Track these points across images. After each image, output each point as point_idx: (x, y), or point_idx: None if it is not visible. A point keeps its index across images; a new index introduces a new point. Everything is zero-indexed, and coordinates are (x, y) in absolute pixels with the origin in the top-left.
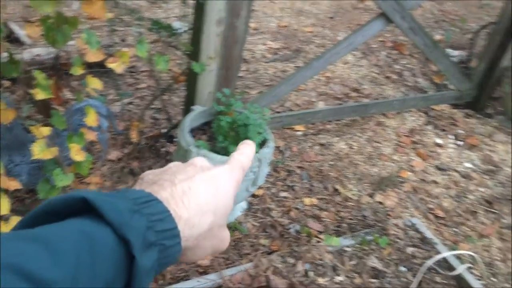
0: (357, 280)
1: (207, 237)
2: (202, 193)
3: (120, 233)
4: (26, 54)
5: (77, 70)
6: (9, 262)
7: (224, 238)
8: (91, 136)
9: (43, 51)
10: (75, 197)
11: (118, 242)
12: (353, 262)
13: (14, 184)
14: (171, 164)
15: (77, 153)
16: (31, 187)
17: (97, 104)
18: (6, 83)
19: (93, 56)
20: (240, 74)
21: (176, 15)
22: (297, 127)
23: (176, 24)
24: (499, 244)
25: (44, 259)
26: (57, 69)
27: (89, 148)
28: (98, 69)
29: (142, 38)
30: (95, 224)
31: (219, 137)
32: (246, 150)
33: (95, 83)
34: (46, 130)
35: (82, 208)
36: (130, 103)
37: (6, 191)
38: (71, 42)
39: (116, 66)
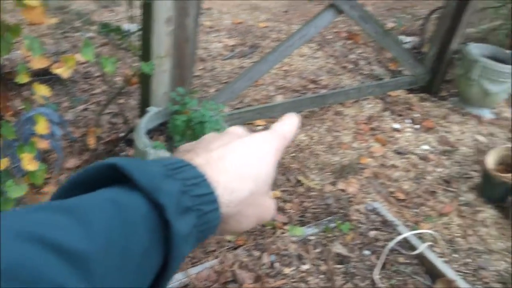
0: (323, 267)
1: (250, 204)
2: (239, 159)
3: (153, 198)
4: None
5: (23, 78)
6: (35, 232)
7: (269, 206)
8: (42, 144)
9: None
10: (105, 164)
11: (151, 209)
12: (317, 250)
13: None
14: (207, 135)
15: (29, 163)
16: None
17: (47, 111)
18: None
19: (38, 63)
20: (197, 73)
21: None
22: (258, 122)
23: (126, 26)
24: (458, 221)
25: (74, 229)
26: (1, 79)
27: (44, 157)
28: (50, 76)
29: (87, 41)
30: (127, 191)
31: (176, 137)
32: (288, 120)
33: (43, 90)
34: None
35: (114, 176)
36: (86, 109)
37: None
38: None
39: (62, 71)
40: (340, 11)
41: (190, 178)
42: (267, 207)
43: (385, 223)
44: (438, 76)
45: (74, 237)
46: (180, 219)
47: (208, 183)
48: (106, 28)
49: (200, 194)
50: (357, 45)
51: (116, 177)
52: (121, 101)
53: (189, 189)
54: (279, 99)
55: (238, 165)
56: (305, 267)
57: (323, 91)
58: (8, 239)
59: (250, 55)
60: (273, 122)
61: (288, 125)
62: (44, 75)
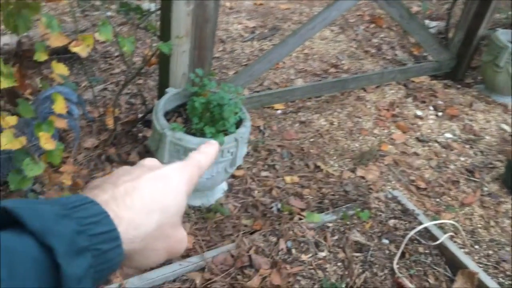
0: (341, 255)
1: (158, 237)
2: (147, 192)
3: (43, 241)
4: None
5: (41, 56)
6: None
7: (181, 239)
8: (60, 123)
9: (11, 40)
10: None
11: (42, 252)
12: (335, 237)
13: None
14: (118, 169)
15: (46, 142)
16: (3, 179)
17: (66, 91)
18: None
19: (56, 41)
20: (217, 55)
21: None
22: (277, 106)
23: (146, 5)
24: (481, 212)
25: None
26: (20, 56)
27: (62, 136)
28: (69, 55)
29: (104, 20)
30: (17, 235)
31: (194, 119)
32: (206, 149)
33: (61, 69)
34: (12, 120)
35: (8, 219)
36: (105, 89)
37: None
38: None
39: (80, 49)
40: None
41: (89, 216)
42: (178, 239)
43: (405, 212)
44: (464, 62)
45: None
46: (73, 261)
47: (110, 220)
48: (126, 7)
49: (99, 232)
50: (381, 29)
51: (11, 220)
52: (140, 81)
53: (86, 228)
54: (299, 82)
55: (145, 199)
56: (322, 254)
57: (345, 76)
58: None
59: (270, 38)
60: (293, 106)
61: (205, 153)
62: (63, 54)
